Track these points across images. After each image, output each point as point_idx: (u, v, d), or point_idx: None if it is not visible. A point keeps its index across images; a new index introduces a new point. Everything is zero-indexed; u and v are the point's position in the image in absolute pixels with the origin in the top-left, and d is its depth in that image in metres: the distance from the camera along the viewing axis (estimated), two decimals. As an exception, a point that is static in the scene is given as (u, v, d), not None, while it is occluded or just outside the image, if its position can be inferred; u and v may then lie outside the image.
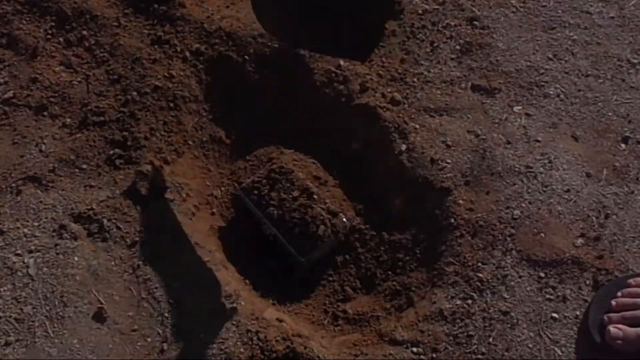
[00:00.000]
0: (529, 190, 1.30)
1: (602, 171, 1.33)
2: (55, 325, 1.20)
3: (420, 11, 1.53)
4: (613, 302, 1.16)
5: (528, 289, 1.22)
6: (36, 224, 1.29)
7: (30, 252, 1.26)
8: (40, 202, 1.31)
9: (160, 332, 1.20)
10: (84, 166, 1.36)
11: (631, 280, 1.18)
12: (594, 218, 1.27)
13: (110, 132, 1.39)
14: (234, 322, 1.20)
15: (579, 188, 1.30)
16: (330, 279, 1.34)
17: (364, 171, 1.41)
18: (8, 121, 1.41)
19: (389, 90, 1.43)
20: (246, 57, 1.48)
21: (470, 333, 1.18)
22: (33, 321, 1.20)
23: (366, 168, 1.41)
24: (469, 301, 1.21)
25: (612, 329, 1.13)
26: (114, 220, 1.30)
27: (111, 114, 1.40)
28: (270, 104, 1.49)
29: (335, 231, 1.33)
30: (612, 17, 1.51)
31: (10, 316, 1.20)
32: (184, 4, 1.52)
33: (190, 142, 1.43)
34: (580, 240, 1.25)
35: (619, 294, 1.17)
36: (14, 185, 1.33)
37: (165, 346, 1.18)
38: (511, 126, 1.38)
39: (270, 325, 1.21)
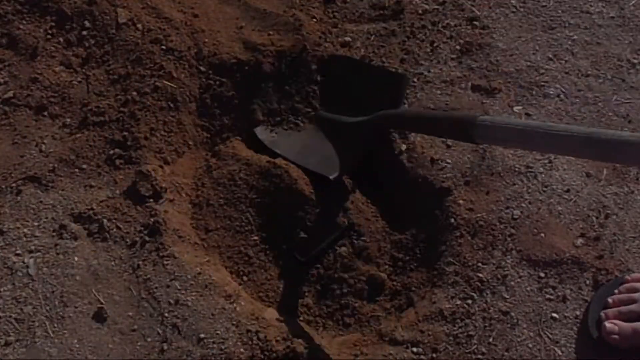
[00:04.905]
0: (529, 190, 1.30)
1: (602, 171, 1.33)
2: (55, 325, 1.20)
3: (420, 11, 1.53)
4: (610, 300, 1.16)
5: (528, 289, 1.21)
6: (36, 224, 1.29)
7: (30, 252, 1.26)
8: (40, 202, 1.31)
9: (160, 332, 1.20)
10: (84, 166, 1.36)
11: (628, 277, 1.18)
12: (594, 218, 1.27)
13: (110, 132, 1.39)
14: (234, 322, 1.20)
15: (579, 188, 1.30)
16: (330, 278, 1.34)
17: (364, 171, 1.41)
18: (8, 121, 1.40)
19: (389, 90, 1.43)
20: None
21: (470, 333, 1.18)
22: (33, 321, 1.20)
23: (366, 168, 1.41)
24: (469, 301, 1.21)
25: (607, 324, 1.13)
26: (114, 220, 1.30)
27: (111, 114, 1.40)
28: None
29: (333, 230, 1.33)
30: (612, 17, 1.51)
31: (10, 316, 1.20)
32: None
33: (190, 142, 1.43)
34: (580, 240, 1.25)
35: (616, 290, 1.17)
36: (14, 185, 1.33)
37: (165, 346, 1.18)
38: (511, 126, 1.38)
39: (270, 325, 1.21)
